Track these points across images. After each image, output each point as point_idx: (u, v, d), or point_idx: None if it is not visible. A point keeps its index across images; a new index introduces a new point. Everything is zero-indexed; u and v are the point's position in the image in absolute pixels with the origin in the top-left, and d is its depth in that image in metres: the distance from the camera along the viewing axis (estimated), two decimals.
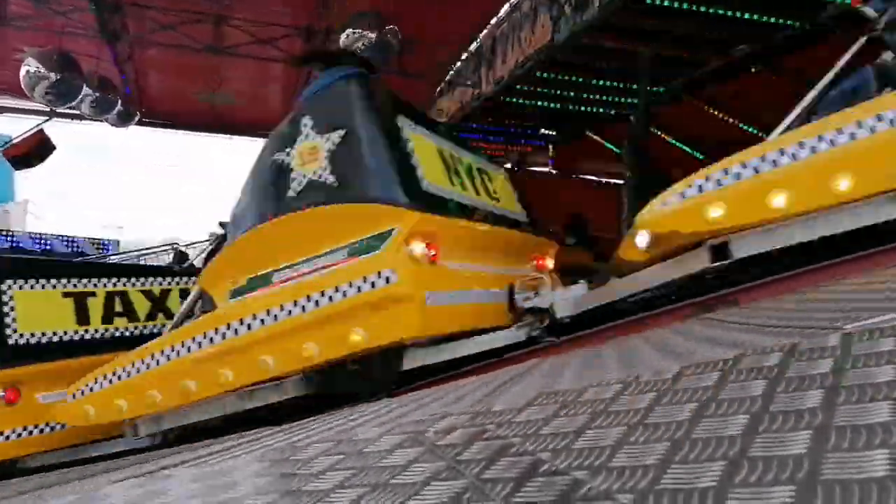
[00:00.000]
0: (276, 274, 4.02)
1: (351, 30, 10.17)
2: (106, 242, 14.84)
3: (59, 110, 13.04)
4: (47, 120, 13.58)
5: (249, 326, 3.98)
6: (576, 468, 1.16)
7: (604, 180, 15.98)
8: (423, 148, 4.30)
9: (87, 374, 4.47)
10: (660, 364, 1.98)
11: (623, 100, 12.46)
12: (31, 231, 15.65)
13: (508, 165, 17.62)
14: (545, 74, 11.85)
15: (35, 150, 12.94)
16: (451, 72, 14.52)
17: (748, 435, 1.13)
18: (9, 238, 13.93)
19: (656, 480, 1.02)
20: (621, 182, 12.95)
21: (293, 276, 3.95)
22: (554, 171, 17.24)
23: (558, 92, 12.86)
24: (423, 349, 4.05)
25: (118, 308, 5.55)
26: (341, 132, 3.99)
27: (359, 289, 3.72)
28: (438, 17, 11.39)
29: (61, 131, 13.93)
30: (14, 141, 13.49)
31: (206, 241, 5.81)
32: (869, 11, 4.39)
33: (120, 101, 12.71)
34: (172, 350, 4.21)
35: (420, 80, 13.64)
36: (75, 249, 13.81)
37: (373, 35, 10.11)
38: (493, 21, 12.77)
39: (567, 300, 4.38)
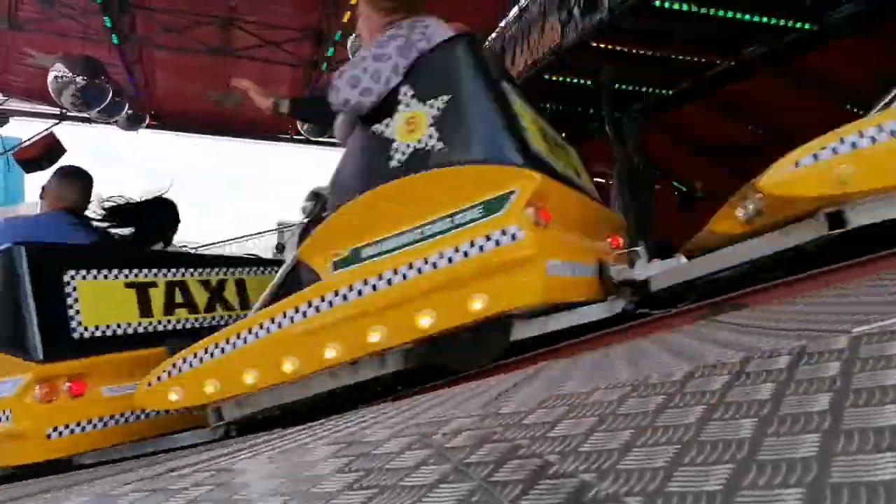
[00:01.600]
0: (384, 242, 3.82)
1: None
2: None
3: (70, 114, 13.14)
4: (57, 123, 13.68)
5: (360, 293, 3.79)
6: (584, 471, 1.16)
7: (612, 182, 15.97)
8: (525, 114, 4.19)
9: (170, 358, 4.30)
10: (668, 366, 1.98)
11: (631, 102, 12.46)
12: None
13: None
14: (553, 77, 11.86)
15: (45, 153, 13.00)
16: None
17: (756, 438, 1.13)
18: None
19: (664, 483, 1.03)
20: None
21: (403, 243, 3.77)
22: None
23: (566, 95, 12.87)
24: (528, 321, 3.87)
25: (179, 299, 5.44)
26: (445, 98, 3.86)
27: (481, 249, 3.56)
28: (445, 17, 11.39)
29: (71, 134, 14.04)
30: (24, 144, 13.58)
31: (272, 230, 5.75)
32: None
33: (129, 105, 12.79)
34: (272, 324, 4.00)
35: None
36: None
37: None
38: (502, 24, 12.80)
39: (664, 272, 4.18)
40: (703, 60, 10.66)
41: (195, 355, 4.20)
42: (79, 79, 10.35)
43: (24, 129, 14.50)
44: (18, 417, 4.44)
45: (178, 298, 5.42)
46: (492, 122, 3.83)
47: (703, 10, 9.29)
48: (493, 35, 13.09)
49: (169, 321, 5.27)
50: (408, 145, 3.88)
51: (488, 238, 3.54)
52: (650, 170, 10.85)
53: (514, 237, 3.50)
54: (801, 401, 1.27)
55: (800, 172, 3.68)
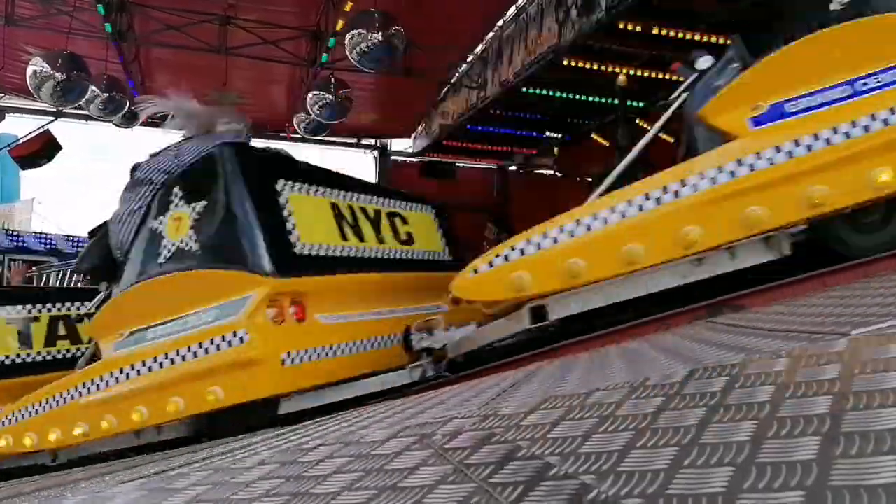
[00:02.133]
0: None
1: (356, 31, 10.14)
2: None
3: (65, 111, 13.10)
4: (54, 120, 13.64)
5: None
6: (584, 472, 1.16)
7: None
8: (307, 208, 4.52)
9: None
10: (668, 368, 1.98)
11: (630, 102, 12.45)
12: (36, 230, 15.71)
13: (514, 167, 17.71)
14: (551, 77, 11.85)
15: (42, 150, 13.00)
16: (457, 73, 14.53)
17: (756, 440, 1.13)
18: (14, 237, 14.00)
19: (664, 485, 1.03)
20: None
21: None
22: (558, 174, 17.25)
23: (564, 94, 12.87)
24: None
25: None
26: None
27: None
28: (445, 18, 11.39)
29: (68, 131, 14.00)
30: (21, 140, 13.55)
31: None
32: (681, 72, 4.48)
33: (127, 102, 12.76)
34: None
35: (426, 80, 13.65)
36: (81, 249, 13.82)
37: (377, 36, 10.08)
38: (500, 23, 12.78)
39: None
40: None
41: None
42: (58, 74, 10.32)
43: (20, 126, 14.48)
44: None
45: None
46: (241, 228, 4.12)
47: (700, 10, 9.31)
48: (490, 34, 13.09)
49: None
50: (173, 243, 4.27)
51: (223, 338, 3.97)
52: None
53: (242, 339, 3.94)
54: (800, 403, 1.27)
55: (479, 278, 4.05)
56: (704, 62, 4.29)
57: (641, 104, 11.79)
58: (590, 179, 16.52)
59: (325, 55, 12.29)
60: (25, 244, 13.73)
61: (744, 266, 3.76)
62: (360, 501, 1.28)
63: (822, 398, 1.27)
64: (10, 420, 4.55)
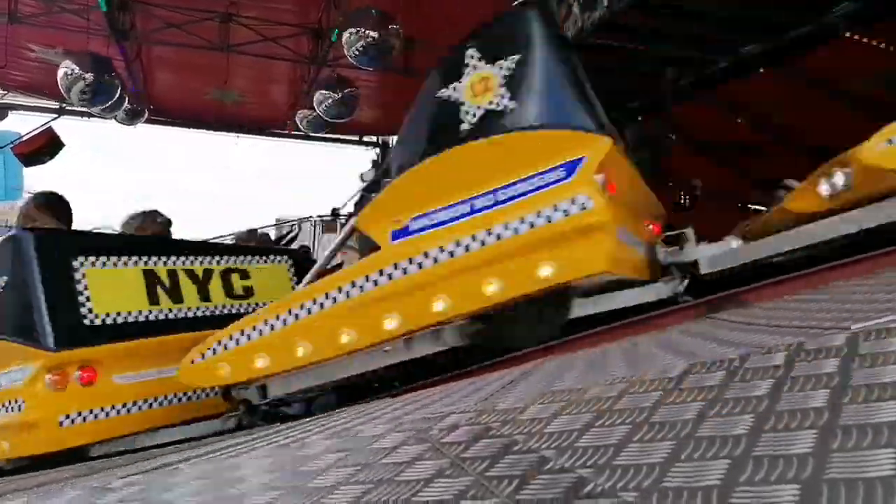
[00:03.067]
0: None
1: (352, 29, 10.13)
2: None
3: (68, 108, 13.13)
4: (56, 117, 13.66)
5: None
6: (580, 466, 1.16)
7: None
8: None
9: (217, 333, 4.25)
10: (665, 363, 1.98)
11: (631, 100, 12.43)
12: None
13: None
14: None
15: (44, 147, 13.01)
16: None
17: (753, 434, 1.13)
18: None
19: (661, 479, 1.02)
20: None
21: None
22: None
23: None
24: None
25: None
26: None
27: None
28: (445, 16, 11.38)
29: (71, 129, 14.02)
30: (24, 138, 13.57)
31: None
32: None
33: (128, 99, 12.78)
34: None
35: (425, 77, 13.63)
36: None
37: (374, 34, 10.07)
38: None
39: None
40: (703, 58, 10.63)
41: (243, 332, 4.11)
42: (87, 75, 10.39)
43: (22, 124, 14.50)
44: (30, 406, 4.42)
45: (187, 286, 5.36)
46: (563, 85, 3.77)
47: (703, 8, 9.26)
48: None
49: (180, 309, 5.23)
50: (478, 107, 3.79)
51: (556, 206, 3.45)
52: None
53: (583, 205, 3.41)
54: (798, 397, 1.26)
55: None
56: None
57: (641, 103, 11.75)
58: None
59: (328, 52, 12.30)
60: None
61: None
62: (356, 495, 1.28)
63: (820, 392, 1.26)
64: (223, 346, 4.19)
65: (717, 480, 0.96)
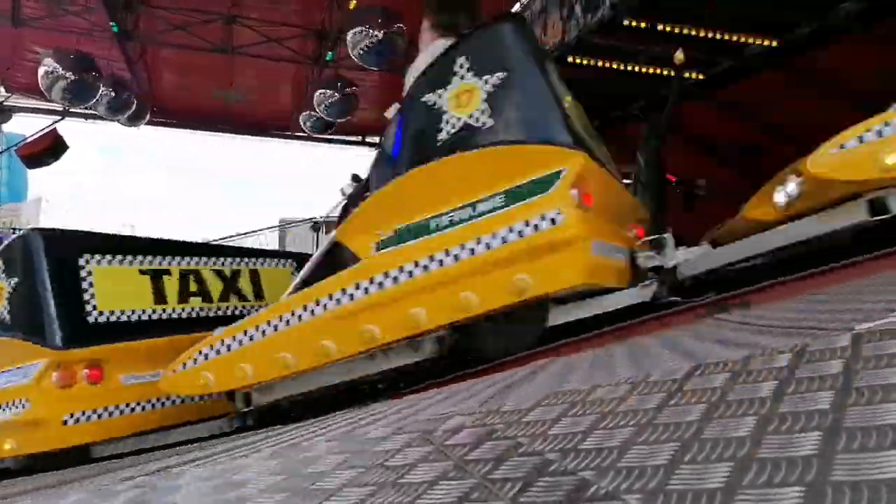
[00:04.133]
0: (427, 222, 3.79)
1: (357, 28, 10.14)
2: None
3: (72, 110, 13.15)
4: (60, 119, 13.69)
5: (396, 280, 3.78)
6: (584, 468, 1.16)
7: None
8: (566, 96, 4.15)
9: (201, 342, 4.29)
10: (669, 364, 1.98)
11: (634, 101, 12.43)
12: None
13: None
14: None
15: (48, 149, 13.05)
16: None
17: (757, 436, 1.12)
18: None
19: (664, 481, 1.02)
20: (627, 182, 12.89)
21: (449, 222, 3.73)
22: None
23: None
24: (566, 305, 3.88)
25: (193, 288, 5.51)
26: (501, 74, 3.82)
27: (523, 233, 3.55)
28: None
29: (74, 130, 14.05)
30: (28, 140, 13.61)
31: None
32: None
33: (134, 102, 12.81)
34: (313, 306, 3.98)
35: None
36: None
37: (378, 33, 10.08)
38: None
39: (693, 259, 4.13)
40: (707, 58, 10.63)
41: (223, 342, 4.18)
42: (69, 74, 10.36)
43: (27, 126, 14.56)
44: (36, 404, 4.48)
45: (193, 287, 5.44)
46: (542, 101, 3.81)
47: (706, 9, 9.27)
48: None
49: (183, 309, 5.30)
50: (458, 118, 3.85)
51: (533, 219, 3.53)
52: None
53: (556, 219, 3.50)
54: (802, 399, 1.26)
55: (844, 155, 3.65)
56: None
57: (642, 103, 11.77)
58: None
59: (330, 53, 12.32)
60: None
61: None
62: (359, 497, 1.28)
63: (825, 393, 1.26)
64: (207, 355, 4.24)
65: (721, 483, 0.96)
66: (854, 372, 1.35)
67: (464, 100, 3.86)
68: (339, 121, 13.19)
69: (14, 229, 15.18)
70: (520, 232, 3.55)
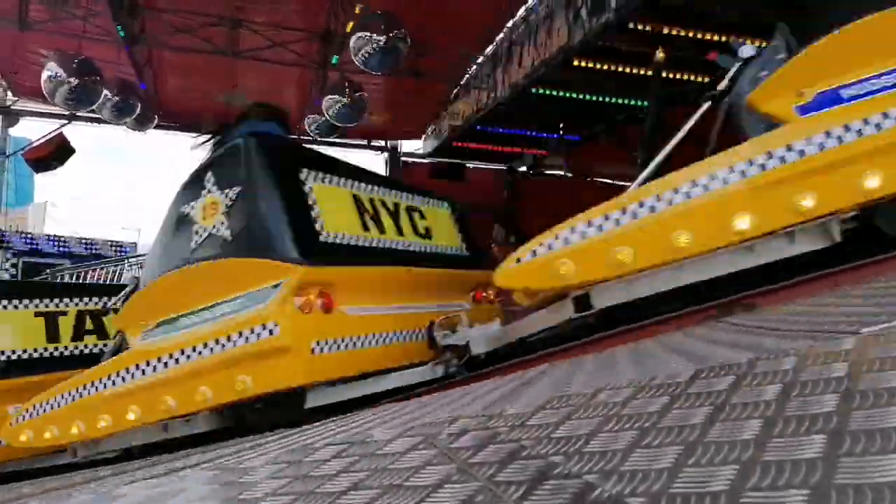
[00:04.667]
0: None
1: (360, 33, 10.17)
2: (125, 244, 14.99)
3: (78, 114, 13.19)
4: (67, 123, 13.73)
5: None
6: (588, 472, 1.16)
7: (619, 183, 15.94)
8: (330, 197, 4.49)
9: (32, 398, 4.66)
10: (674, 367, 1.97)
11: (638, 102, 12.43)
12: (49, 233, 15.83)
13: (524, 168, 17.68)
14: (561, 77, 11.83)
15: (55, 153, 13.09)
16: (467, 74, 14.53)
17: (762, 439, 1.12)
18: (28, 239, 14.11)
19: (669, 484, 1.02)
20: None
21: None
22: (569, 174, 17.22)
23: (574, 94, 12.84)
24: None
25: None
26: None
27: (246, 339, 3.95)
28: (454, 20, 11.40)
29: (81, 134, 14.10)
30: (34, 144, 13.65)
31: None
32: (723, 61, 4.48)
33: (139, 105, 12.84)
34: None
35: (435, 82, 13.66)
36: (94, 252, 13.95)
37: (381, 38, 10.11)
38: (509, 24, 12.77)
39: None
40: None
41: (46, 401, 4.56)
42: (71, 79, 10.39)
43: (33, 130, 14.61)
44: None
45: (408, 221, 5.24)
46: (271, 215, 4.13)
47: (710, 11, 9.26)
48: (500, 36, 13.09)
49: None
50: (205, 229, 4.28)
51: (253, 327, 3.94)
52: None
53: (271, 332, 3.90)
54: (807, 402, 1.26)
55: (522, 268, 4.01)
56: (748, 50, 4.31)
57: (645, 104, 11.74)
58: (600, 180, 16.53)
59: (335, 57, 12.34)
60: (38, 247, 13.83)
61: (796, 253, 3.75)
62: (364, 500, 1.28)
63: (829, 396, 1.26)
64: (31, 413, 4.56)
65: (726, 486, 0.96)
66: (858, 375, 1.35)
67: (210, 211, 4.29)
68: (348, 126, 13.21)
69: (21, 233, 15.21)
70: (244, 338, 3.96)
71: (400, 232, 5.07)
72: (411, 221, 5.28)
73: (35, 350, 5.52)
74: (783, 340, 2.03)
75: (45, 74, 10.56)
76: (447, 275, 5.27)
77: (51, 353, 5.60)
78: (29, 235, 14.87)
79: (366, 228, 4.72)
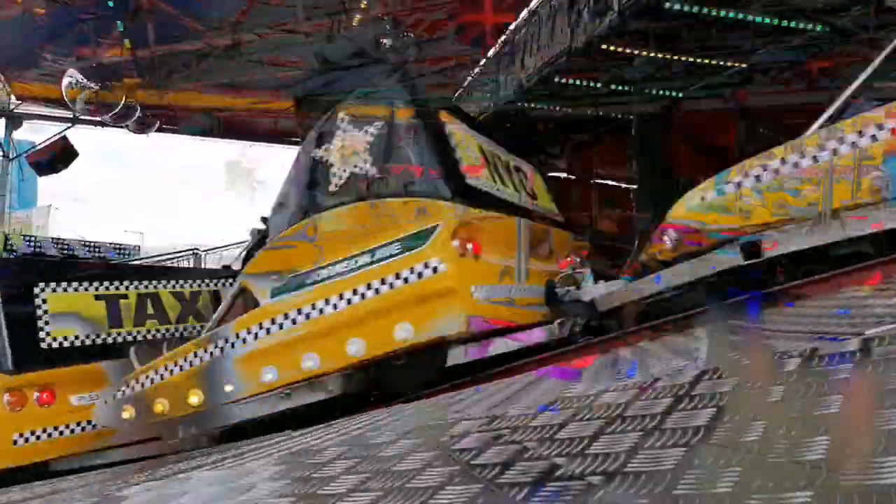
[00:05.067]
0: (318, 271, 3.97)
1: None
2: (128, 247, 14.99)
3: (81, 117, 13.21)
4: (70, 127, 13.75)
5: (295, 322, 3.94)
6: (590, 473, 1.15)
7: (623, 185, 15.90)
8: (465, 143, 4.33)
9: (125, 377, 4.41)
10: (678, 369, 1.97)
11: (640, 104, 12.39)
12: (53, 236, 15.82)
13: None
14: (563, 80, 11.80)
15: (58, 156, 13.09)
16: (470, 77, 14.53)
17: (766, 440, 1.12)
18: (32, 243, 14.11)
19: (671, 486, 1.01)
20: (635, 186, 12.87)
21: (336, 273, 3.91)
22: (570, 176, 17.19)
23: (577, 97, 12.81)
24: (463, 346, 3.96)
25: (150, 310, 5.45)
26: (379, 125, 4.03)
27: (406, 281, 3.71)
28: (456, 23, 11.41)
29: (84, 137, 14.10)
30: (37, 147, 13.67)
31: (231, 245, 5.71)
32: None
33: (139, 109, 12.85)
34: (213, 349, 4.15)
35: (438, 84, 13.66)
36: (97, 254, 13.96)
37: (387, 41, 10.14)
38: (512, 27, 12.77)
39: (609, 293, 4.28)
40: (714, 63, 10.58)
41: (149, 375, 4.32)
42: (92, 85, 10.42)
43: (36, 133, 14.62)
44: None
45: (150, 310, 5.39)
46: (422, 153, 4.04)
47: (714, 13, 9.23)
48: (503, 37, 13.08)
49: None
50: (345, 169, 4.11)
51: (412, 270, 3.74)
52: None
53: (435, 271, 3.71)
54: (811, 403, 1.25)
55: (705, 204, 3.90)
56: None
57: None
58: (602, 182, 16.50)
59: None
60: (43, 250, 13.84)
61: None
62: (367, 502, 1.27)
63: (833, 398, 1.25)
64: (133, 387, 4.32)
65: (730, 487, 0.96)
66: (863, 376, 1.34)
67: (347, 150, 4.14)
68: None
69: (25, 236, 15.24)
70: (402, 281, 3.76)
71: (516, 188, 4.98)
72: (521, 180, 5.21)
73: (98, 336, 5.17)
74: (787, 342, 2.02)
75: (65, 80, 10.62)
76: (557, 236, 5.13)
77: (114, 339, 5.25)
78: (33, 238, 14.89)
79: (494, 179, 4.61)
